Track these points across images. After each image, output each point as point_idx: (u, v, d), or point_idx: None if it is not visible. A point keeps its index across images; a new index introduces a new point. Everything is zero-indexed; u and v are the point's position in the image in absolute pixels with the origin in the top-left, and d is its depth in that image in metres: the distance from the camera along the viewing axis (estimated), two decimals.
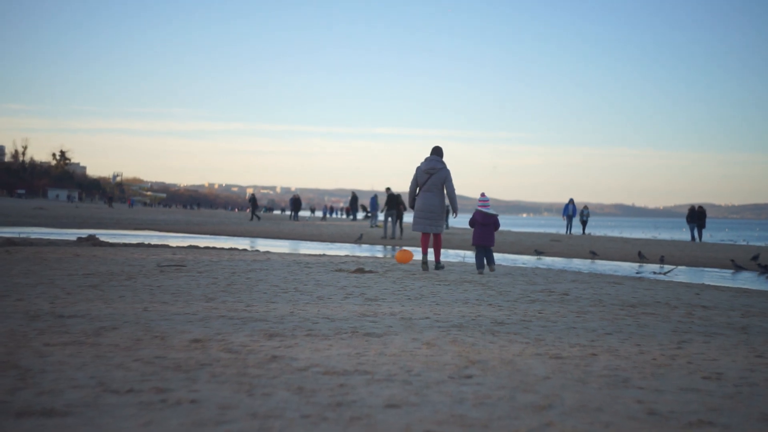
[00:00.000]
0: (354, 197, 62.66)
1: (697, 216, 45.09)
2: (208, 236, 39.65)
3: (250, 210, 64.02)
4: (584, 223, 50.34)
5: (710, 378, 5.71)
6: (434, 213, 14.85)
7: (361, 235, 38.38)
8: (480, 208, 15.09)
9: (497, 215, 15.24)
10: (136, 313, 8.08)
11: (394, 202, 37.11)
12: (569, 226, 48.78)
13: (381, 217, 56.69)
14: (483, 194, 15.43)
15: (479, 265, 14.99)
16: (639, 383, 5.41)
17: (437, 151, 15.06)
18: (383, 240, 36.83)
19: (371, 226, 51.78)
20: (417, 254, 20.63)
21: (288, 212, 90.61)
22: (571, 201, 48.20)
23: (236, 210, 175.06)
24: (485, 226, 15.00)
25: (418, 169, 14.99)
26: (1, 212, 56.78)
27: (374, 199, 55.44)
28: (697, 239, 44.82)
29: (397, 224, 38.33)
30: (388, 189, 38.86)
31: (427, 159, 15.00)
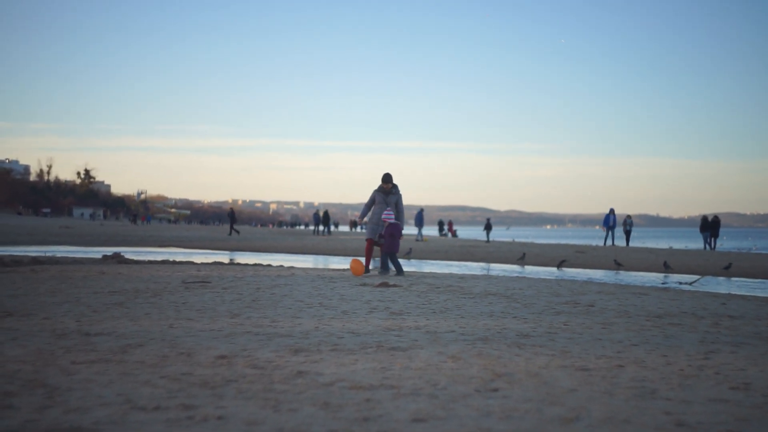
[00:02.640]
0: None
1: (710, 225, 44.88)
2: (233, 252, 39.75)
3: (229, 225, 63.47)
4: (628, 234, 47.56)
5: (738, 388, 5.67)
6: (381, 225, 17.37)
7: (410, 249, 38.11)
8: (387, 220, 17.07)
9: (400, 224, 17.34)
10: (161, 330, 8.11)
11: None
12: (610, 237, 46.64)
13: (425, 231, 57.74)
14: (388, 209, 17.39)
15: (385, 267, 17.16)
16: (666, 394, 5.38)
17: (390, 178, 17.43)
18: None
19: (417, 240, 52.18)
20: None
21: (311, 227, 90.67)
22: (612, 211, 46.30)
23: (259, 225, 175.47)
24: (393, 236, 17.03)
25: (375, 191, 17.49)
26: (27, 231, 57.18)
27: (420, 213, 56.27)
28: (712, 248, 44.54)
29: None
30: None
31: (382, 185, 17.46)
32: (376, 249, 19.95)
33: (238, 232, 61.72)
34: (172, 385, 5.40)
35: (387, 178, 17.29)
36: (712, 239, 44.90)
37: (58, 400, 4.92)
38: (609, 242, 46.68)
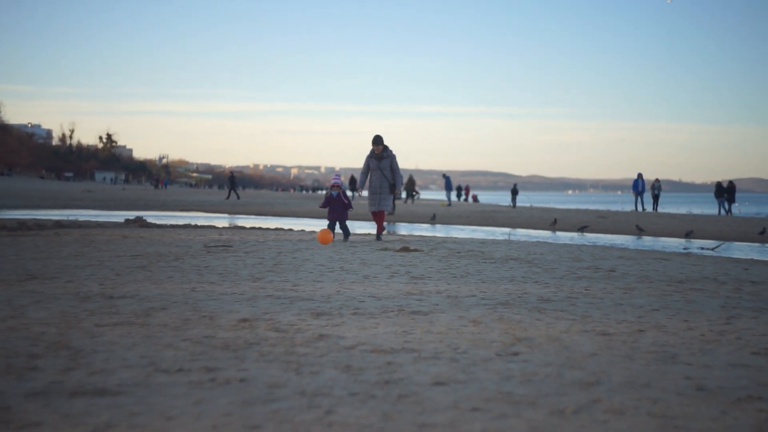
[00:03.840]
0: (411, 179, 62.62)
1: (725, 191, 44.60)
2: (255, 216, 39.87)
3: (228, 188, 62.82)
4: (656, 198, 46.68)
5: (759, 353, 5.66)
6: (384, 194, 16.75)
7: (434, 215, 38.22)
8: (335, 185, 16.68)
9: (346, 192, 17.26)
10: (184, 294, 8.16)
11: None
12: (640, 201, 45.65)
13: (454, 196, 58.51)
14: (336, 175, 17.29)
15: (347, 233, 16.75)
16: (687, 359, 5.38)
17: (381, 140, 16.68)
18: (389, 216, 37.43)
19: (448, 205, 52.46)
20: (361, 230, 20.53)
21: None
22: (640, 176, 45.52)
23: (280, 190, 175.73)
24: (338, 204, 16.54)
25: (367, 157, 16.85)
26: (50, 195, 57.49)
27: (449, 179, 56.92)
28: (725, 213, 44.26)
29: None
30: None
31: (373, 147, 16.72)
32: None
33: (238, 196, 60.94)
34: (195, 348, 5.44)
35: (377, 140, 16.54)
36: (728, 204, 44.59)
37: (82, 362, 4.97)
38: (640, 207, 45.71)
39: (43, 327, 6.16)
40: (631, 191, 46.47)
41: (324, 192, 73.56)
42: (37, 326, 6.19)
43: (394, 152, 16.72)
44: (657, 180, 47.02)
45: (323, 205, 16.53)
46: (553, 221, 33.65)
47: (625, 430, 3.77)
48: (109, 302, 7.48)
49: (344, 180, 71.52)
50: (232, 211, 44.94)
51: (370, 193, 16.77)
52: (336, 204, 16.36)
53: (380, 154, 16.55)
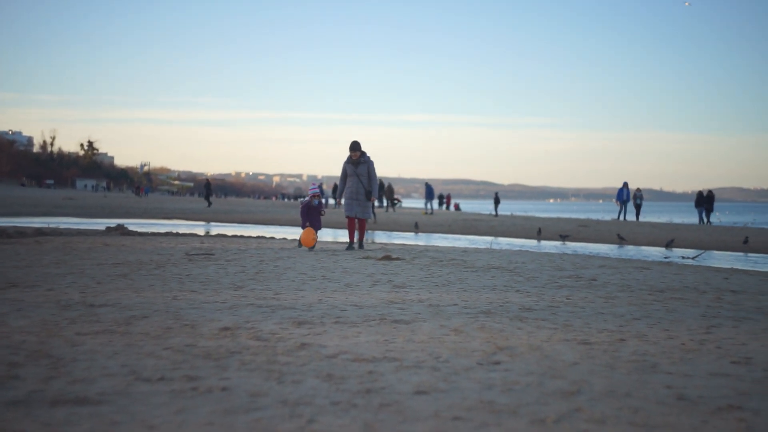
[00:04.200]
0: (382, 185, 62.70)
1: (705, 200, 44.82)
2: (236, 225, 39.80)
3: (205, 196, 62.78)
4: (638, 207, 46.45)
5: (739, 363, 5.69)
6: (362, 200, 16.50)
7: (416, 223, 38.33)
8: (312, 195, 16.60)
9: (321, 200, 16.80)
10: (165, 302, 8.14)
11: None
12: (623, 211, 45.63)
13: (436, 205, 58.79)
14: (314, 185, 17.20)
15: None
16: (668, 368, 5.40)
17: (358, 146, 16.46)
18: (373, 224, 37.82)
19: (427, 213, 52.61)
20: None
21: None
22: (626, 185, 45.49)
23: (263, 198, 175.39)
24: (316, 212, 16.50)
25: (344, 163, 16.63)
26: (31, 202, 57.22)
27: (430, 187, 57.10)
28: (705, 222, 44.47)
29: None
30: None
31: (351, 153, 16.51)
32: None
33: (210, 203, 60.88)
34: (177, 357, 5.43)
35: (354, 146, 16.32)
36: (707, 214, 44.78)
37: (62, 371, 4.96)
38: (622, 217, 45.73)
39: (23, 335, 6.14)
40: (615, 200, 46.46)
41: (301, 200, 73.37)
42: (18, 335, 6.17)
43: (372, 159, 16.54)
44: (638, 189, 46.98)
45: (304, 222, 16.37)
46: (538, 230, 33.70)
47: None
48: (90, 310, 7.46)
49: (326, 188, 71.62)
50: (214, 219, 44.86)
51: (347, 198, 16.48)
52: (314, 212, 16.28)
53: (357, 159, 16.35)
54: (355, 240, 16.95)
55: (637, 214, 46.76)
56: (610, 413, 4.22)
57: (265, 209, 64.05)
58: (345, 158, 16.47)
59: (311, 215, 16.20)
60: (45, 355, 5.41)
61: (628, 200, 45.54)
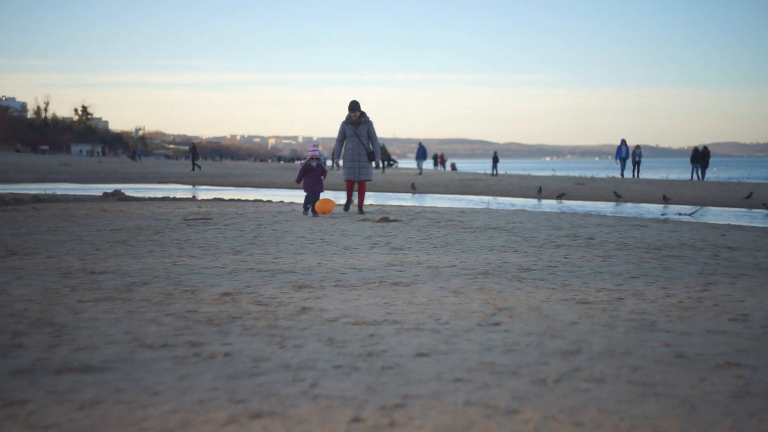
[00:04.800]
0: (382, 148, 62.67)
1: (700, 156, 44.78)
2: (232, 188, 39.78)
3: (191, 160, 62.42)
4: (637, 164, 46.12)
5: (736, 320, 5.74)
6: (363, 161, 16.01)
7: (413, 184, 38.22)
8: (312, 156, 15.93)
9: (321, 162, 16.03)
10: (165, 268, 8.18)
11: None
12: (623, 168, 45.40)
13: (425, 165, 58.85)
14: (314, 145, 16.47)
15: (306, 209, 15.79)
16: (666, 326, 5.45)
17: (357, 105, 15.96)
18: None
19: (419, 173, 52.68)
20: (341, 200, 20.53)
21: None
22: (624, 142, 45.26)
23: (258, 161, 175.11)
24: (316, 175, 15.75)
25: (343, 123, 16.11)
26: (27, 169, 57.13)
27: (421, 147, 57.11)
28: (700, 178, 44.41)
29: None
30: None
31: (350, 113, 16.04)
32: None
33: (199, 167, 60.67)
34: (178, 323, 5.47)
35: (353, 105, 15.84)
36: (702, 170, 44.73)
37: (66, 339, 4.99)
38: (624, 174, 45.45)
39: (25, 304, 6.17)
40: (614, 158, 46.16)
41: (300, 162, 72.61)
42: (20, 303, 6.20)
43: (371, 119, 16.11)
44: (638, 147, 46.59)
45: (299, 179, 15.76)
46: (539, 189, 33.53)
47: (606, 398, 3.84)
48: (90, 278, 7.49)
49: (322, 150, 71.38)
50: (210, 183, 44.82)
51: (346, 161, 15.96)
52: (314, 175, 15.69)
53: (357, 120, 15.87)
54: (354, 202, 16.66)
55: (637, 172, 46.46)
56: (610, 372, 4.27)
57: (261, 172, 63.94)
58: (343, 118, 15.96)
59: (310, 178, 15.69)
60: (48, 323, 5.44)
61: (627, 157, 45.19)
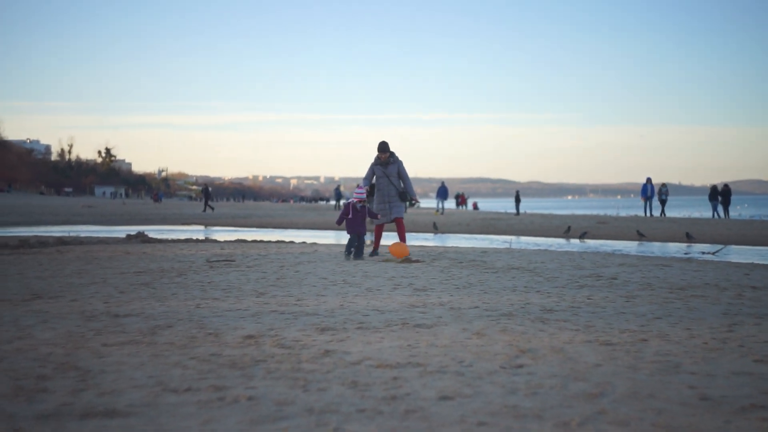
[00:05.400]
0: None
1: (721, 194, 44.59)
2: (255, 229, 39.89)
3: (203, 201, 62.39)
4: (663, 203, 45.64)
5: (762, 361, 5.70)
6: (394, 202, 15.86)
7: (435, 223, 38.19)
8: (359, 199, 15.33)
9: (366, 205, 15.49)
10: (189, 311, 8.20)
11: (369, 190, 40.76)
12: (648, 207, 44.76)
13: (447, 204, 58.70)
14: (360, 186, 15.90)
15: (349, 252, 15.23)
16: (690, 368, 5.42)
17: (387, 146, 15.81)
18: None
19: (440, 213, 52.56)
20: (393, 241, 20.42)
21: (332, 202, 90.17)
22: (649, 180, 44.48)
23: (280, 201, 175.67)
24: (361, 217, 15.21)
25: (372, 165, 15.96)
26: (51, 211, 57.48)
27: (442, 187, 56.91)
28: (722, 216, 44.16)
29: None
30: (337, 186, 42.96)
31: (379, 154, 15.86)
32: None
33: (212, 208, 60.74)
34: (202, 366, 5.48)
35: (383, 147, 15.70)
36: (724, 207, 44.49)
37: (91, 383, 5.01)
38: (649, 213, 44.96)
39: (50, 347, 6.21)
40: (640, 196, 45.78)
41: (333, 203, 71.66)
42: (45, 347, 6.24)
43: (400, 158, 15.91)
44: (663, 185, 46.19)
45: (341, 220, 15.30)
46: (567, 229, 33.22)
47: None
48: (114, 321, 7.53)
49: (343, 190, 71.44)
50: (233, 224, 44.98)
51: (378, 203, 15.79)
52: (359, 217, 15.12)
53: (386, 160, 15.73)
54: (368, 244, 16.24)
55: (662, 210, 45.99)
56: (634, 415, 4.25)
57: (283, 213, 64.15)
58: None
59: (355, 220, 15.12)
60: (72, 367, 5.47)
61: (652, 196, 44.71)
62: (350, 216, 15.12)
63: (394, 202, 15.74)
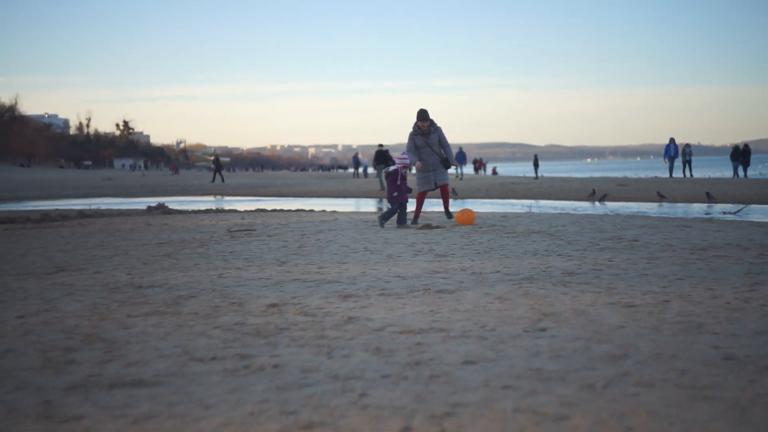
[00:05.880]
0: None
1: (741, 154, 44.17)
2: (275, 198, 39.98)
3: (213, 170, 62.08)
4: (687, 164, 44.52)
5: None
6: (439, 169, 15.50)
7: (454, 189, 37.90)
8: (402, 164, 15.00)
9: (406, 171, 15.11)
10: (211, 280, 8.25)
11: (382, 158, 40.69)
12: (672, 168, 43.87)
13: (466, 169, 58.88)
14: (403, 153, 15.53)
15: (402, 221, 14.93)
16: (713, 328, 5.42)
17: (426, 114, 15.41)
18: (380, 192, 38.44)
19: (459, 179, 52.51)
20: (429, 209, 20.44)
21: (351, 170, 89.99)
22: (672, 141, 43.74)
23: (299, 170, 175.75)
24: (405, 185, 14.89)
25: (412, 134, 15.51)
26: (71, 185, 57.80)
27: (460, 153, 56.86)
28: (741, 176, 43.78)
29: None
30: (380, 145, 43.37)
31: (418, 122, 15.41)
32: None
33: (222, 179, 60.40)
34: (227, 336, 5.53)
35: (422, 115, 15.29)
36: (743, 167, 44.07)
37: (117, 354, 5.07)
38: (674, 174, 44.03)
39: (76, 320, 6.27)
40: (663, 157, 44.98)
41: (352, 171, 70.46)
42: (70, 319, 6.30)
43: (439, 125, 15.55)
44: (687, 145, 45.25)
45: (397, 190, 14.73)
46: (592, 192, 32.82)
47: (655, 402, 3.83)
48: (138, 292, 7.59)
49: (362, 157, 71.08)
50: (253, 194, 45.08)
51: (422, 171, 15.44)
52: (405, 185, 14.85)
53: (426, 129, 15.32)
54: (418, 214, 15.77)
55: (689, 170, 44.88)
56: (658, 376, 4.26)
57: (302, 181, 64.22)
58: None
59: (403, 188, 14.79)
60: (99, 339, 5.53)
61: (676, 156, 43.87)
62: (399, 183, 14.77)
63: (438, 169, 15.46)
